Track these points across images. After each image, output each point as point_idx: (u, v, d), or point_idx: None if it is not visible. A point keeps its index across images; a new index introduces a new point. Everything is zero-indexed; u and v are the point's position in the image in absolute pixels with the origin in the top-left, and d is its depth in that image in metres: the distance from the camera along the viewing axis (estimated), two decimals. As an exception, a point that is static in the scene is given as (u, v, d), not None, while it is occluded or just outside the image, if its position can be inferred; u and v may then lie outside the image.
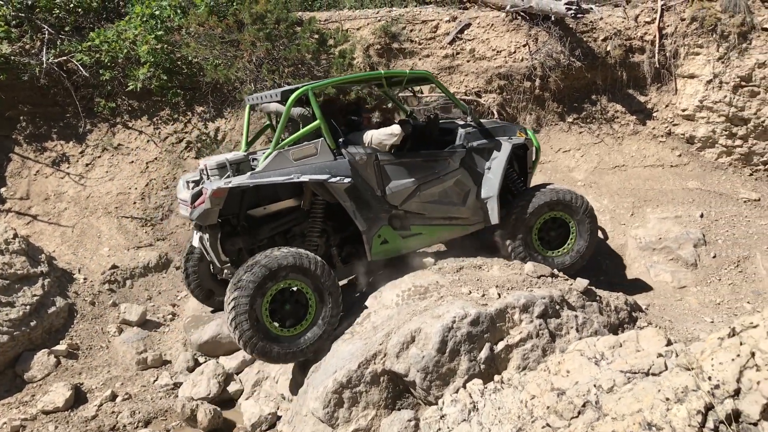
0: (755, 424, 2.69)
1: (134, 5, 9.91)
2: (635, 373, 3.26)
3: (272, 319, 5.72)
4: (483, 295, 5.81)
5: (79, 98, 9.63)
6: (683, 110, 9.75)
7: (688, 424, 2.76)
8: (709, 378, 2.88)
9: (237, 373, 6.80)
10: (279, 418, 6.02)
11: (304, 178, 5.89)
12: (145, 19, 9.74)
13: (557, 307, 5.76)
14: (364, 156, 6.24)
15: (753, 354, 2.84)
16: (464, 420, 3.93)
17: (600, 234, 8.55)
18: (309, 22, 9.83)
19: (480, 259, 6.65)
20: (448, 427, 4.01)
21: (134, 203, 9.25)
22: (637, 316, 6.50)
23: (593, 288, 6.30)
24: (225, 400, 6.51)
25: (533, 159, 7.48)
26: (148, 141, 9.75)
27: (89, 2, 10.19)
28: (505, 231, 6.90)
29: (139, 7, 9.73)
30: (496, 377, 4.51)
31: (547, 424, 3.25)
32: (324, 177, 5.95)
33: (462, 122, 7.11)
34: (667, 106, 9.90)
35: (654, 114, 9.97)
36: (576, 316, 5.79)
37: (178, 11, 10.03)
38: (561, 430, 3.13)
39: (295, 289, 5.81)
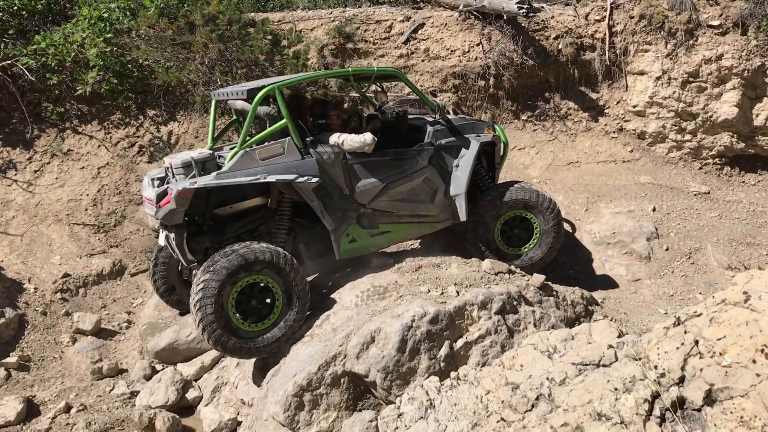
0: (699, 410, 2.74)
1: (81, 7, 9.67)
2: (586, 365, 3.30)
3: (236, 311, 5.66)
4: (442, 294, 5.82)
5: (26, 103, 9.37)
6: (634, 106, 9.93)
7: (635, 412, 2.81)
8: (656, 367, 2.93)
9: (195, 380, 6.70)
10: (239, 423, 5.94)
11: (271, 179, 5.83)
12: (93, 21, 9.53)
13: (515, 303, 5.81)
14: (331, 155, 6.19)
15: (696, 342, 2.90)
16: (421, 417, 3.93)
17: (567, 226, 8.69)
18: (262, 23, 9.74)
19: (438, 258, 6.67)
20: (406, 426, 4.01)
21: (86, 210, 9.04)
22: (593, 309, 6.59)
23: (550, 283, 6.37)
24: (184, 407, 6.41)
25: (501, 155, 7.51)
26: (99, 146, 9.54)
27: (34, 4, 9.93)
28: (470, 227, 6.97)
29: (86, 9, 9.52)
30: (452, 374, 4.52)
31: (502, 418, 3.26)
32: (291, 177, 5.90)
33: (431, 119, 7.09)
34: (618, 102, 10.07)
35: (606, 111, 10.14)
36: (533, 312, 5.85)
37: (127, 13, 9.84)
38: (515, 424, 3.15)
39: (263, 285, 5.77)
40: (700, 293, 7.66)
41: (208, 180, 5.64)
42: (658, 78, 9.70)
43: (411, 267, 6.45)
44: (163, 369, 6.82)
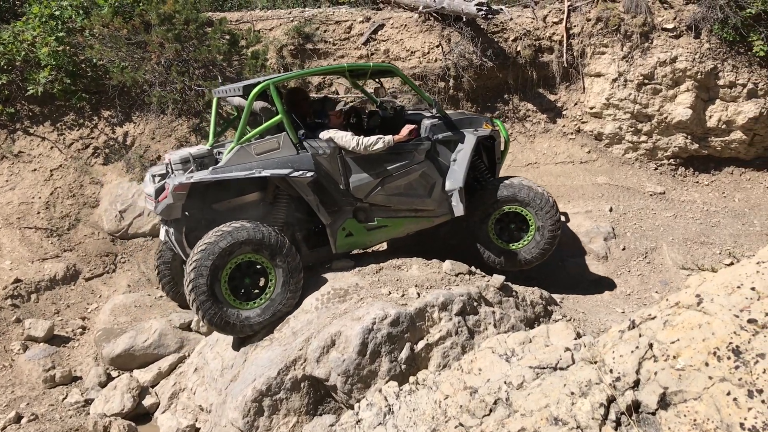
0: (653, 414, 2.76)
1: (32, 5, 9.42)
2: (543, 368, 3.30)
3: (229, 288, 5.74)
4: (402, 296, 5.81)
5: (-26, 104, 9.10)
6: (591, 108, 10.06)
7: (591, 417, 2.82)
8: (611, 371, 2.95)
9: (152, 386, 6.56)
10: (198, 430, 5.83)
11: (266, 173, 5.91)
12: (44, 19, 9.28)
13: (475, 303, 5.82)
14: (327, 150, 6.25)
15: (651, 345, 2.92)
16: (380, 424, 3.90)
17: (562, 217, 8.72)
18: (219, 22, 9.63)
19: (399, 260, 6.64)
20: None
21: (38, 213, 8.80)
22: (552, 309, 6.65)
23: (509, 283, 6.40)
24: (140, 414, 6.27)
25: (501, 150, 7.50)
26: (51, 148, 9.30)
27: (-19, 2, 9.67)
28: (468, 222, 7.05)
29: (37, 7, 9.27)
30: (411, 378, 4.50)
31: (460, 424, 3.25)
32: (286, 171, 5.97)
33: (429, 114, 7.08)
34: (575, 104, 10.19)
35: (564, 112, 10.25)
36: (493, 312, 5.87)
37: (80, 12, 9.62)
38: (473, 429, 3.13)
39: (258, 265, 5.88)
40: (656, 292, 7.78)
41: (204, 175, 5.77)
42: (615, 80, 9.84)
43: (372, 269, 6.41)
44: (118, 376, 6.66)
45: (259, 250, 5.81)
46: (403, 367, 5.23)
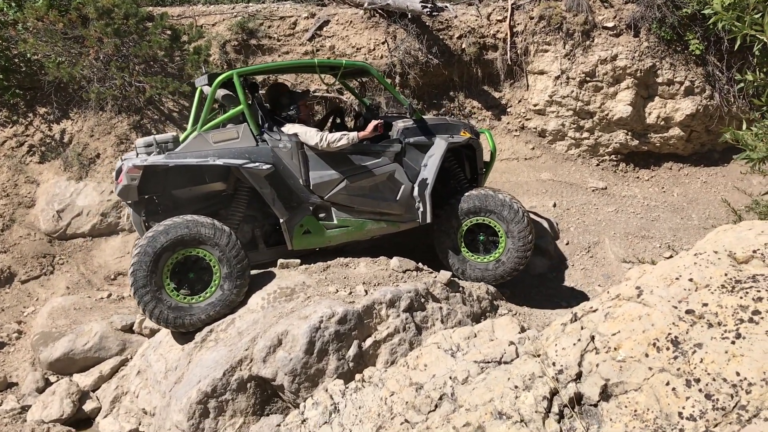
0: (595, 405, 2.80)
1: (-39, -3, 9.05)
2: (488, 362, 3.32)
3: (171, 281, 5.75)
4: (350, 293, 5.78)
5: None
6: (535, 105, 10.19)
7: (535, 410, 2.84)
8: (554, 363, 2.98)
9: (93, 390, 6.37)
10: (141, 434, 5.70)
11: (219, 162, 5.89)
12: (-26, 12, 8.93)
13: (422, 300, 5.83)
14: (288, 143, 6.19)
15: (593, 337, 2.96)
16: (325, 422, 3.86)
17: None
18: (161, 17, 9.40)
19: (347, 258, 6.60)
20: (310, 431, 3.92)
21: (-30, 214, 8.46)
22: (498, 304, 6.71)
23: (456, 279, 6.44)
24: (81, 419, 6.07)
25: (484, 160, 7.33)
26: (-17, 145, 8.95)
27: None
28: (435, 232, 6.89)
29: (-34, -1, 8.91)
30: (357, 376, 4.48)
31: (406, 420, 3.23)
32: (240, 162, 5.93)
33: (408, 119, 6.90)
34: (520, 101, 10.31)
35: (508, 109, 10.35)
36: (440, 308, 5.89)
37: (13, 4, 9.27)
38: (419, 425, 3.12)
39: (205, 259, 5.84)
40: (599, 285, 7.94)
41: (157, 159, 5.79)
42: (557, 77, 9.99)
43: (319, 267, 6.37)
44: (57, 380, 6.44)
45: (200, 246, 5.77)
46: (351, 364, 5.20)
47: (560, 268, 8.26)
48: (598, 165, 10.26)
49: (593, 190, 9.71)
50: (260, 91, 6.89)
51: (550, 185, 9.64)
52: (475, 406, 2.91)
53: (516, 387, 2.93)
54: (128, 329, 6.89)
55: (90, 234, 8.69)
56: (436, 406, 3.15)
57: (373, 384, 3.97)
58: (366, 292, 5.79)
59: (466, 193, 6.79)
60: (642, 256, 8.36)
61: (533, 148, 10.24)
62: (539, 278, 8.04)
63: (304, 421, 4.05)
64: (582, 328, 3.00)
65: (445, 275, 6.30)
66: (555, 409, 2.82)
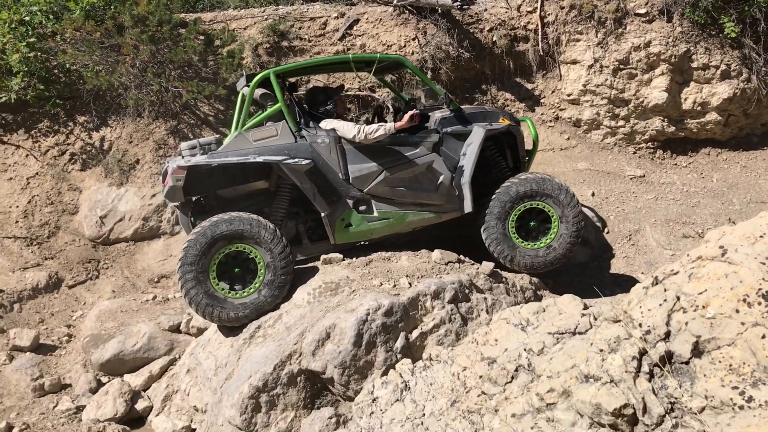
0: (687, 363, 2.80)
1: (0, 11, 9.24)
2: (562, 333, 3.32)
3: (217, 276, 5.88)
4: (394, 286, 5.81)
5: (-55, 114, 8.92)
6: (568, 95, 10.12)
7: (624, 370, 2.84)
8: (640, 325, 2.97)
9: (144, 390, 6.48)
10: (193, 430, 5.77)
11: (260, 159, 5.99)
12: (13, 25, 9.11)
13: (467, 291, 5.84)
14: (326, 138, 6.26)
15: (678, 298, 2.96)
16: (397, 400, 3.89)
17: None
18: (194, 22, 9.53)
19: (388, 252, 6.62)
20: (381, 410, 3.95)
21: (16, 222, 8.65)
22: (542, 294, 6.69)
23: (498, 270, 6.42)
24: (134, 418, 6.19)
25: (526, 148, 7.22)
26: (27, 155, 9.15)
27: (-52, 10, 9.46)
28: (484, 212, 6.69)
29: (5, 13, 9.09)
30: (424, 355, 4.49)
31: (483, 392, 3.25)
32: (280, 158, 6.02)
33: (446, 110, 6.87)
34: (553, 92, 10.25)
35: (542, 100, 10.30)
36: (485, 299, 5.89)
37: (50, 17, 9.46)
38: (497, 396, 3.14)
39: (250, 255, 5.95)
40: (642, 273, 7.86)
41: (200, 159, 5.93)
42: (591, 66, 9.91)
43: (361, 262, 6.40)
44: (109, 381, 6.56)
45: (255, 246, 5.88)
46: (399, 356, 5.23)
47: (602, 257, 8.19)
48: (634, 153, 10.15)
49: (631, 178, 9.61)
50: (298, 93, 6.98)
51: (587, 175, 9.57)
52: (557, 372, 2.92)
53: (601, 350, 2.94)
54: (175, 329, 7.00)
55: (132, 238, 8.84)
56: (512, 378, 3.17)
57: (442, 361, 3.99)
58: (410, 284, 5.82)
59: (522, 176, 6.70)
60: (684, 242, 8.26)
61: (568, 138, 10.17)
62: (581, 267, 7.98)
63: (375, 400, 4.08)
64: (665, 290, 3.00)
65: (488, 266, 6.29)
66: (645, 368, 2.82)
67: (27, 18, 9.20)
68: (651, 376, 2.85)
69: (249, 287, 5.93)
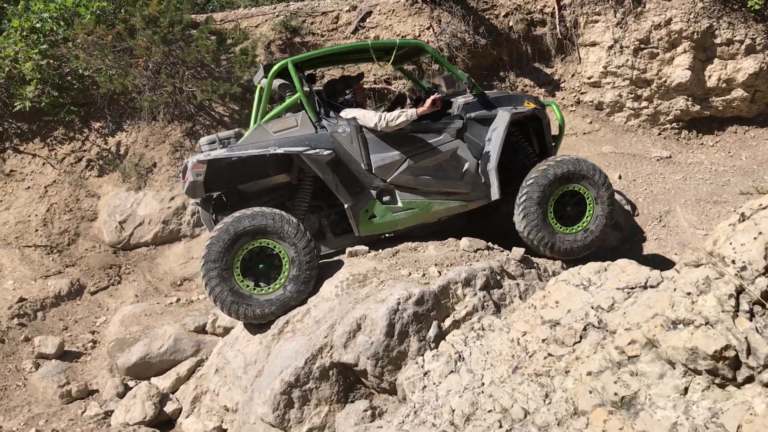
0: None
1: (11, 20, 9.18)
2: (632, 288, 3.12)
3: (241, 272, 5.71)
4: (423, 275, 5.63)
5: (-41, 125, 8.87)
6: (589, 78, 9.91)
7: (720, 310, 2.63)
8: (733, 262, 2.76)
9: (173, 392, 6.33)
10: (225, 431, 5.63)
11: (280, 150, 5.81)
12: (25, 33, 9.06)
13: (498, 277, 5.65)
14: (347, 128, 6.07)
15: None
16: (452, 372, 3.70)
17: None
18: (206, 21, 9.43)
19: (414, 242, 6.45)
20: (435, 383, 3.77)
21: (36, 231, 8.58)
22: (575, 279, 6.48)
23: (529, 256, 6.24)
24: (163, 421, 6.05)
25: (552, 132, 6.98)
26: (43, 164, 9.08)
27: (-41, 21, 9.43)
28: (520, 199, 6.35)
29: (16, 20, 9.03)
30: (476, 325, 4.30)
31: (549, 354, 3.05)
32: (301, 149, 5.84)
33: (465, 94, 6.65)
34: (573, 75, 10.04)
35: (562, 84, 10.09)
36: (518, 284, 5.70)
37: (61, 23, 9.39)
38: (566, 357, 2.95)
39: (275, 251, 5.78)
40: (675, 254, 7.63)
41: (220, 153, 5.77)
42: (610, 47, 9.70)
43: (388, 253, 6.22)
44: (136, 385, 6.43)
45: (279, 240, 5.71)
46: (432, 345, 5.05)
47: (633, 239, 7.98)
48: (659, 134, 9.91)
49: (658, 160, 9.38)
50: (315, 85, 6.82)
51: (613, 158, 9.34)
52: (636, 324, 2.72)
53: (688, 294, 2.73)
54: (201, 330, 6.86)
55: (153, 242, 8.74)
56: (580, 337, 2.97)
57: (497, 329, 3.80)
58: (439, 273, 5.64)
59: (558, 159, 6.42)
60: (716, 222, 8.02)
61: (591, 122, 9.95)
62: (612, 251, 7.74)
63: (426, 373, 3.90)
64: (756, 224, 2.78)
65: (518, 251, 6.11)
66: (744, 306, 2.61)
67: (38, 25, 9.14)
68: (751, 315, 2.63)
69: (274, 283, 5.76)
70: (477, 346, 3.76)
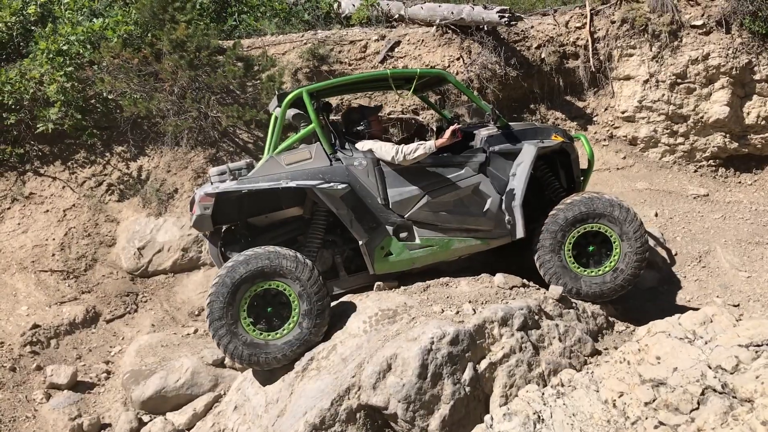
0: None
1: (38, 42, 9.09)
2: (758, 345, 2.76)
3: (248, 316, 5.41)
4: (457, 312, 5.34)
5: (-19, 146, 8.74)
6: (623, 112, 9.64)
7: None
8: None
9: (188, 429, 6.03)
10: (243, 473, 5.31)
11: (292, 184, 5.55)
12: (51, 55, 8.95)
13: (536, 317, 5.35)
14: (363, 161, 5.79)
15: None
16: None
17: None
18: (233, 47, 9.29)
19: (445, 277, 6.14)
20: None
21: (53, 255, 8.36)
22: (614, 320, 6.15)
23: (567, 295, 5.91)
24: (178, 460, 5.75)
25: (580, 167, 6.63)
26: (63, 187, 8.90)
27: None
28: (535, 246, 6.08)
29: (43, 42, 8.94)
30: (553, 380, 3.96)
31: (660, 423, 2.70)
32: (314, 183, 5.58)
33: (488, 126, 6.38)
34: (606, 109, 9.78)
35: (594, 118, 9.83)
36: (557, 325, 5.40)
37: (88, 46, 9.28)
38: (683, 427, 2.59)
39: (284, 293, 5.47)
40: (717, 296, 7.26)
41: (229, 186, 5.55)
42: (646, 81, 9.44)
43: (418, 288, 5.94)
44: (151, 420, 6.13)
45: (281, 279, 5.40)
46: (467, 389, 4.76)
47: (671, 280, 7.61)
48: (696, 171, 9.59)
49: (695, 198, 9.04)
50: (332, 115, 6.59)
51: (648, 194, 9.02)
52: None
53: None
54: (219, 364, 6.57)
55: (172, 270, 8.49)
56: (698, 403, 2.62)
57: (583, 387, 3.45)
58: (474, 310, 5.34)
59: (567, 201, 6.07)
60: (760, 263, 7.66)
61: (624, 157, 9.66)
62: (650, 292, 7.41)
63: None
64: None
65: (556, 290, 5.80)
66: None
67: (65, 47, 9.03)
68: None
69: (288, 323, 5.44)
70: (559, 405, 3.41)
